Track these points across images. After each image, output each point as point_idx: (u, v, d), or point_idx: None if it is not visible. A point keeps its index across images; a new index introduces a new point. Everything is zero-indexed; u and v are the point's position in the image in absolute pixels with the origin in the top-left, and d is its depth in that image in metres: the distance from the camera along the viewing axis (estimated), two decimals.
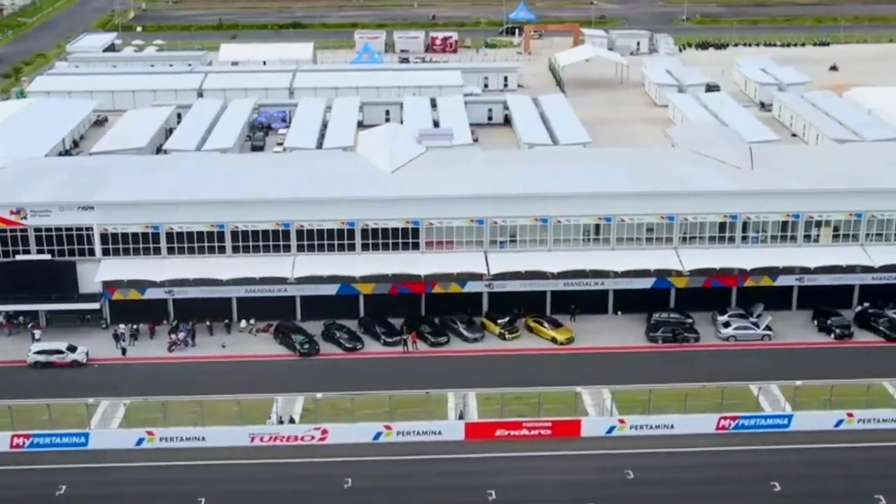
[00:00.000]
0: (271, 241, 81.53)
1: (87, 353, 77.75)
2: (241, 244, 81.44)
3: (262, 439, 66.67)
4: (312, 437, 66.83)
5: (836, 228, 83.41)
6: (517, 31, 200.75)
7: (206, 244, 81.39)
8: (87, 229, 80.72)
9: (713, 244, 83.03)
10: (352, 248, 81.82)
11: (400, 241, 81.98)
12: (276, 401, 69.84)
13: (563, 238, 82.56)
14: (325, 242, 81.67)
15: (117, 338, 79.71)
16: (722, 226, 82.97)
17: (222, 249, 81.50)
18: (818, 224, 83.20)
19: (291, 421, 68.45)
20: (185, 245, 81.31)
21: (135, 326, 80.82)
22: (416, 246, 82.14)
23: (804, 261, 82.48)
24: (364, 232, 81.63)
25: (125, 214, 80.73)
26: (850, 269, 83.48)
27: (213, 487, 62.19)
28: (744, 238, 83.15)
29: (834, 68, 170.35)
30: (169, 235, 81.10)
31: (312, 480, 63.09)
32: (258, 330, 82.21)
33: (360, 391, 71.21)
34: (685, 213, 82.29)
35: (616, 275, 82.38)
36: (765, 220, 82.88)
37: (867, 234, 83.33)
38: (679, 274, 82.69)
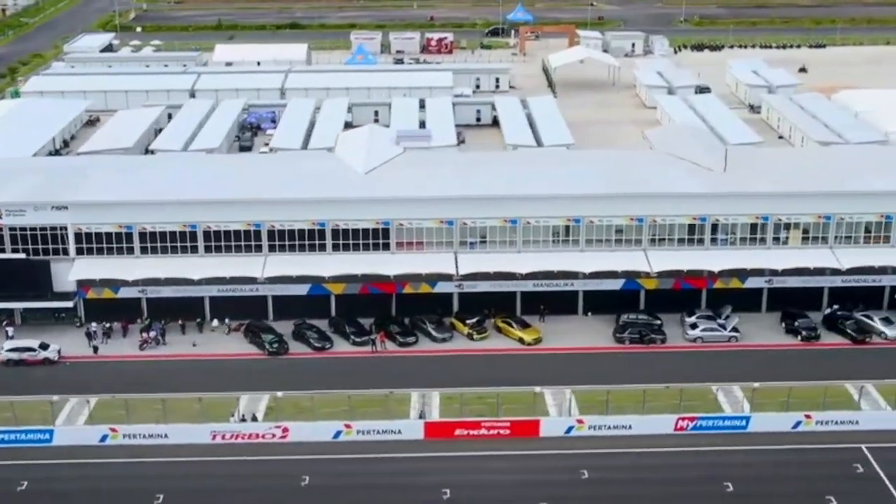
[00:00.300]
0: (243, 241, 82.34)
1: (59, 351, 78.73)
2: (213, 244, 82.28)
3: (223, 437, 67.48)
4: (273, 435, 67.63)
5: (805, 231, 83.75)
6: (513, 31, 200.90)
7: (178, 244, 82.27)
8: (62, 229, 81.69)
9: (682, 246, 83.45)
10: (322, 248, 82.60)
11: (371, 241, 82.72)
12: (239, 399, 70.78)
13: (532, 239, 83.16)
14: (297, 243, 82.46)
15: (90, 336, 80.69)
16: (691, 227, 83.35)
17: (195, 249, 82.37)
18: (787, 226, 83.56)
19: (254, 419, 69.27)
20: (158, 245, 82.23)
21: (107, 325, 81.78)
22: (386, 246, 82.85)
23: (773, 263, 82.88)
24: (335, 232, 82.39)
25: (98, 214, 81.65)
26: (819, 272, 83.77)
27: (172, 484, 63.03)
28: (713, 240, 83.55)
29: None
30: (142, 235, 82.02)
31: (270, 478, 63.82)
32: (232, 329, 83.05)
33: (326, 390, 72.03)
34: (654, 215, 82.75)
35: (585, 276, 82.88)
36: (734, 223, 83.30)
37: (836, 237, 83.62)
38: (648, 276, 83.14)
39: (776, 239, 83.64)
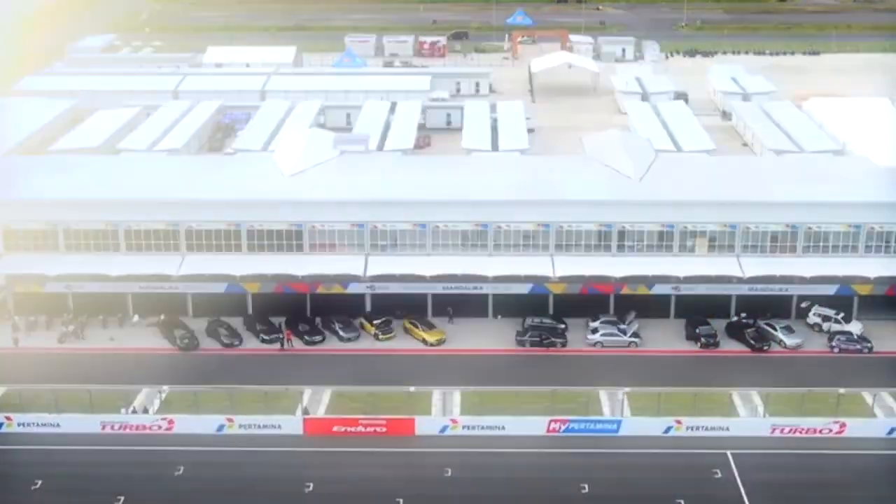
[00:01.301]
0: (162, 240, 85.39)
1: None
2: (133, 242, 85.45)
3: (112, 427, 70.55)
4: (159, 427, 70.53)
5: (711, 239, 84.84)
6: (507, 35, 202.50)
7: (101, 242, 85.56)
8: None
9: (589, 252, 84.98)
10: (238, 248, 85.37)
11: (284, 242, 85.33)
12: (140, 392, 73.90)
13: (441, 243, 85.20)
14: (213, 242, 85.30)
15: (14, 328, 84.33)
16: (598, 234, 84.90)
17: (116, 247, 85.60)
18: (693, 235, 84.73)
19: (145, 411, 72.23)
20: (82, 242, 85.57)
21: (32, 318, 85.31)
22: (300, 247, 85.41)
23: (678, 270, 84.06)
24: (250, 233, 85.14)
25: (25, 212, 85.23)
26: (726, 280, 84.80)
27: (53, 470, 66.16)
28: (620, 247, 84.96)
29: None
30: (67, 233, 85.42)
31: (145, 467, 66.64)
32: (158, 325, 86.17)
33: (222, 385, 74.80)
34: (560, 222, 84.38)
35: (491, 279, 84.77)
36: (640, 230, 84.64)
37: (743, 246, 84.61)
38: (554, 280, 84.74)
39: (683, 247, 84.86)
